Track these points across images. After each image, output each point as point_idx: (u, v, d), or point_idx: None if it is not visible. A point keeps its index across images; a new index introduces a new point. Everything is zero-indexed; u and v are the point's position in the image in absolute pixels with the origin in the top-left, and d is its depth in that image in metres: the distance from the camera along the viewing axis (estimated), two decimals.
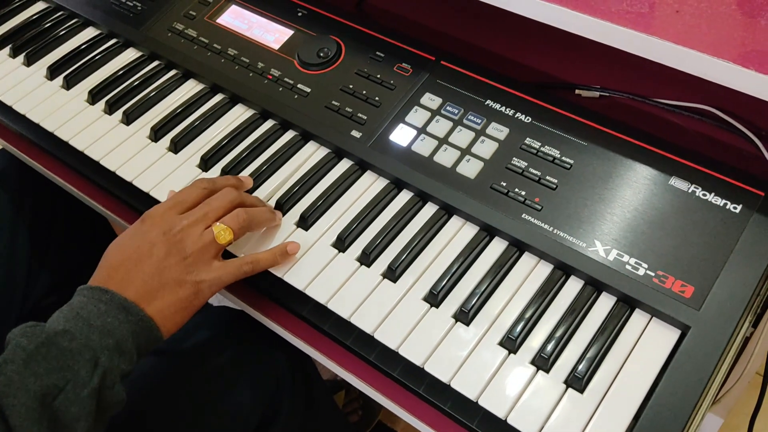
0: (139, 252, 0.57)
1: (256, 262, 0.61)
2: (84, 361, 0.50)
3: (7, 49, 0.87)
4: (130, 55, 0.85)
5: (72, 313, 0.53)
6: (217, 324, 0.79)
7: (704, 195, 0.62)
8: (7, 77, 0.84)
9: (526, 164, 0.66)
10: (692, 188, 0.62)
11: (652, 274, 0.58)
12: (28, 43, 0.87)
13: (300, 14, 0.82)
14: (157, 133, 0.75)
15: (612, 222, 0.61)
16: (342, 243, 0.64)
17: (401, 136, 0.70)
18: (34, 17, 0.91)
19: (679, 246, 0.59)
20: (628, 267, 0.59)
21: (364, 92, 0.73)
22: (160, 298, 0.56)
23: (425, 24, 0.85)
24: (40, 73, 0.84)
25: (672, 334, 0.57)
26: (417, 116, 0.71)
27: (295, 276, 0.63)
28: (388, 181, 0.69)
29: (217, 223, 0.60)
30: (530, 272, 0.62)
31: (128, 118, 0.77)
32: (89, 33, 0.88)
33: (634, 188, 0.63)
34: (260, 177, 0.70)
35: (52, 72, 0.83)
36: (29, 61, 0.85)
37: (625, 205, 0.62)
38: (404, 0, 0.89)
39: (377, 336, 0.59)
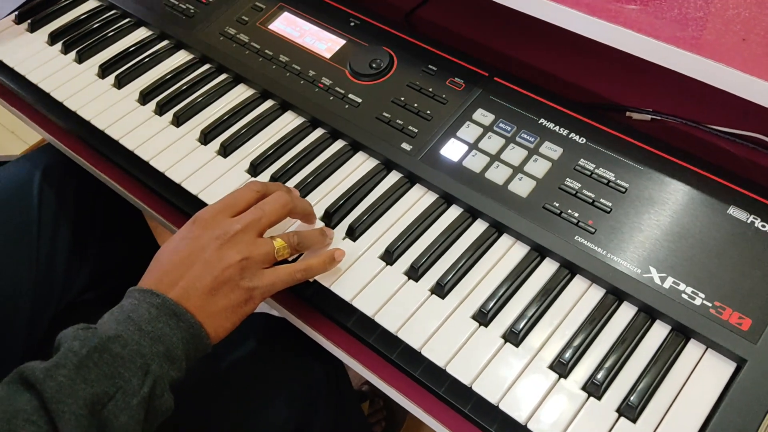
0: (192, 255, 0.56)
1: (308, 269, 0.60)
2: (135, 369, 0.49)
3: (59, 45, 0.88)
4: (182, 57, 0.85)
5: (123, 316, 0.52)
6: (257, 331, 0.78)
7: (764, 226, 0.60)
8: (58, 73, 0.85)
9: (579, 185, 0.65)
10: (751, 218, 0.61)
11: (710, 304, 0.57)
12: (80, 41, 0.88)
13: (352, 24, 0.82)
14: (206, 136, 0.75)
15: (668, 249, 0.60)
16: (390, 256, 0.64)
17: (452, 150, 0.69)
18: (86, 15, 0.91)
19: (737, 277, 0.58)
20: (684, 296, 0.58)
21: (416, 105, 0.73)
22: (211, 303, 0.55)
23: (473, 38, 0.85)
24: (92, 71, 0.85)
25: (728, 367, 0.55)
26: (469, 131, 0.70)
27: (342, 287, 0.62)
28: (437, 196, 0.68)
29: (279, 240, 0.59)
30: (582, 296, 0.61)
31: (178, 121, 0.77)
32: (141, 33, 0.89)
33: (691, 215, 0.62)
34: (309, 185, 0.70)
35: (104, 70, 0.84)
36: (81, 59, 0.86)
37: (681, 232, 0.61)
38: (452, 14, 0.89)
39: (424, 352, 0.58)
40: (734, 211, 0.62)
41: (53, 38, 0.89)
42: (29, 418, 0.45)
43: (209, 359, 0.75)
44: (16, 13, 0.92)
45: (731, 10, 0.62)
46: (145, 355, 0.50)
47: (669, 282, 0.59)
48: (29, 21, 0.90)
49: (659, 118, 0.77)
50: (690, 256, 0.60)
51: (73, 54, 0.87)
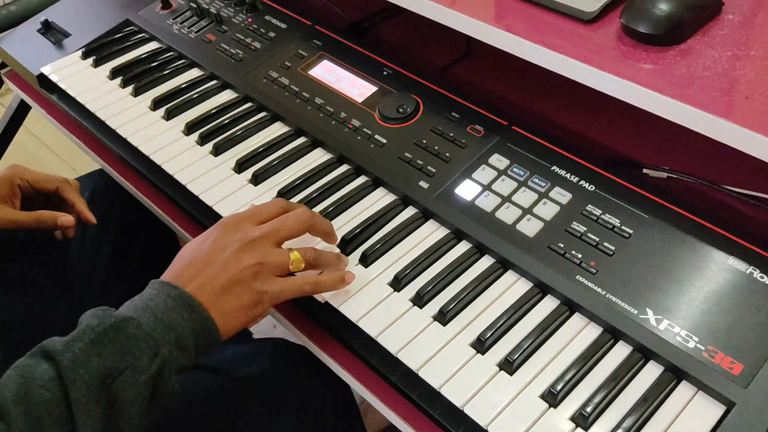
0: (211, 254, 0.61)
1: (317, 284, 0.64)
2: (146, 348, 0.54)
3: (118, 80, 0.96)
4: (227, 95, 0.92)
5: (142, 304, 0.57)
6: (272, 354, 0.82)
7: (762, 277, 0.62)
8: (114, 104, 0.93)
9: (585, 229, 0.68)
10: (750, 269, 0.62)
11: (702, 348, 0.58)
12: (138, 77, 0.96)
13: (385, 73, 0.88)
14: (241, 166, 0.81)
15: (666, 293, 0.62)
16: (398, 283, 0.67)
17: (466, 190, 0.73)
18: (146, 55, 1.00)
19: (732, 324, 0.59)
20: (678, 338, 0.59)
21: (436, 147, 0.77)
22: (224, 301, 0.59)
23: (502, 95, 0.90)
24: (145, 104, 0.92)
25: (716, 410, 0.56)
26: (484, 174, 0.74)
27: (350, 308, 0.66)
28: (449, 231, 0.71)
29: (295, 252, 0.63)
30: (579, 332, 0.62)
31: (217, 150, 0.83)
32: (193, 73, 0.97)
33: (692, 263, 0.64)
34: (330, 215, 0.74)
35: (156, 104, 0.92)
36: (137, 93, 0.94)
37: (680, 278, 0.63)
38: (483, 70, 0.94)
39: (422, 374, 0.61)
40: (734, 262, 0.63)
41: (114, 73, 0.97)
42: (45, 385, 0.50)
43: (223, 376, 0.79)
44: (83, 49, 1.01)
45: (737, 71, 0.65)
46: (157, 339, 0.54)
47: (665, 324, 0.60)
48: (94, 57, 1.00)
49: (675, 176, 0.79)
50: (687, 300, 0.61)
51: (130, 88, 0.95)
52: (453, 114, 0.81)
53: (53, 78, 0.98)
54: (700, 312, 0.60)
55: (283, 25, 0.98)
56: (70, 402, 0.50)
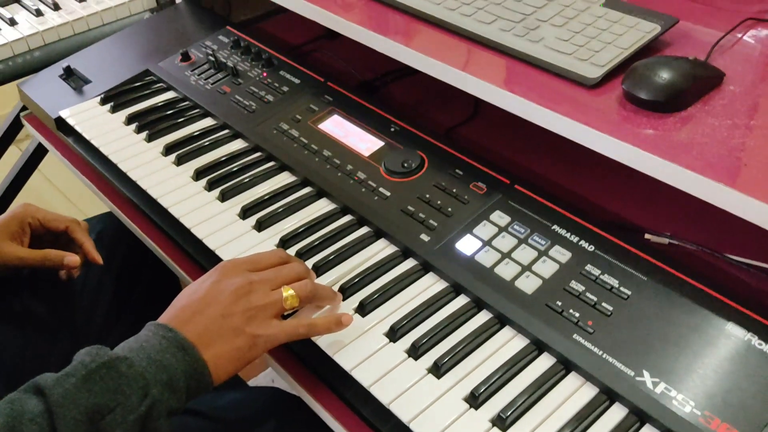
0: (207, 297, 0.62)
1: (312, 327, 0.64)
2: (137, 388, 0.53)
3: (133, 126, 0.99)
4: (238, 144, 0.95)
5: (137, 344, 0.57)
6: (266, 403, 0.81)
7: (760, 344, 0.61)
8: (128, 148, 0.95)
9: (583, 288, 0.68)
10: (749, 336, 0.62)
11: (699, 413, 0.57)
12: (153, 124, 0.98)
13: (393, 129, 0.90)
14: (246, 212, 0.82)
15: (663, 356, 0.62)
16: (394, 333, 0.67)
17: (466, 245, 0.73)
18: (162, 103, 1.03)
19: (729, 390, 0.58)
20: (674, 402, 0.58)
21: (439, 202, 0.78)
22: (217, 344, 0.59)
23: (506, 156, 0.91)
24: (157, 150, 0.94)
25: None
26: (484, 230, 0.75)
27: (345, 357, 0.65)
28: (447, 284, 0.72)
29: (288, 288, 0.64)
30: (574, 392, 0.62)
31: (224, 196, 0.85)
32: (206, 122, 0.99)
33: (690, 327, 0.63)
34: (330, 263, 0.75)
35: (168, 150, 0.94)
36: (150, 138, 0.96)
37: (678, 341, 0.62)
38: (488, 131, 0.96)
39: (413, 427, 0.60)
40: (733, 328, 0.63)
41: (130, 119, 1.00)
42: (34, 419, 0.50)
43: (217, 422, 0.78)
44: (102, 95, 1.04)
45: (736, 138, 0.66)
46: (148, 379, 0.54)
47: (661, 387, 0.60)
48: (112, 103, 1.02)
49: (677, 243, 0.80)
50: (684, 365, 0.61)
51: (144, 134, 0.97)
52: (457, 171, 0.82)
53: (71, 121, 1.01)
54: (697, 377, 0.60)
55: (297, 81, 1.01)
56: None
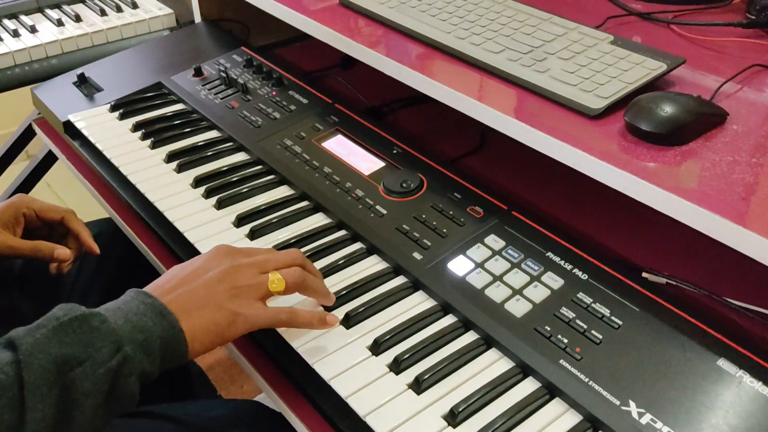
0: (196, 272, 0.63)
1: (293, 314, 0.64)
2: (108, 343, 0.53)
3: (139, 133, 0.99)
4: (240, 157, 0.95)
5: (114, 306, 0.57)
6: (245, 415, 0.79)
7: (751, 382, 0.59)
8: (130, 154, 0.95)
9: (574, 315, 0.66)
10: (740, 373, 0.60)
11: None
12: (158, 132, 0.99)
13: (395, 152, 0.90)
14: (241, 221, 0.82)
15: (651, 387, 0.60)
16: (377, 347, 0.65)
17: (459, 266, 0.72)
18: (171, 114, 1.04)
19: (717, 426, 0.56)
20: None
21: (435, 223, 0.78)
22: (196, 315, 0.59)
23: (509, 187, 0.91)
24: (160, 156, 0.95)
25: None
26: (478, 252, 0.74)
27: (325, 367, 0.64)
28: (436, 303, 0.70)
29: (276, 272, 0.64)
30: (557, 417, 0.60)
31: (220, 204, 0.85)
32: (211, 134, 1.00)
33: (680, 360, 0.61)
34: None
35: (170, 157, 0.94)
36: (154, 146, 0.97)
37: (667, 374, 0.61)
38: (493, 163, 0.96)
39: None
40: (724, 364, 0.61)
41: (136, 127, 1.01)
42: (2, 368, 0.49)
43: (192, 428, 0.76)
44: (112, 103, 1.05)
45: (735, 174, 0.66)
46: (122, 336, 0.54)
47: (647, 418, 0.58)
48: (120, 111, 1.04)
49: (674, 283, 0.78)
50: (672, 397, 0.59)
51: (148, 141, 0.98)
52: (455, 194, 0.81)
53: (78, 125, 1.02)
54: (684, 410, 0.58)
55: (305, 101, 1.02)
56: (24, 384, 0.49)
